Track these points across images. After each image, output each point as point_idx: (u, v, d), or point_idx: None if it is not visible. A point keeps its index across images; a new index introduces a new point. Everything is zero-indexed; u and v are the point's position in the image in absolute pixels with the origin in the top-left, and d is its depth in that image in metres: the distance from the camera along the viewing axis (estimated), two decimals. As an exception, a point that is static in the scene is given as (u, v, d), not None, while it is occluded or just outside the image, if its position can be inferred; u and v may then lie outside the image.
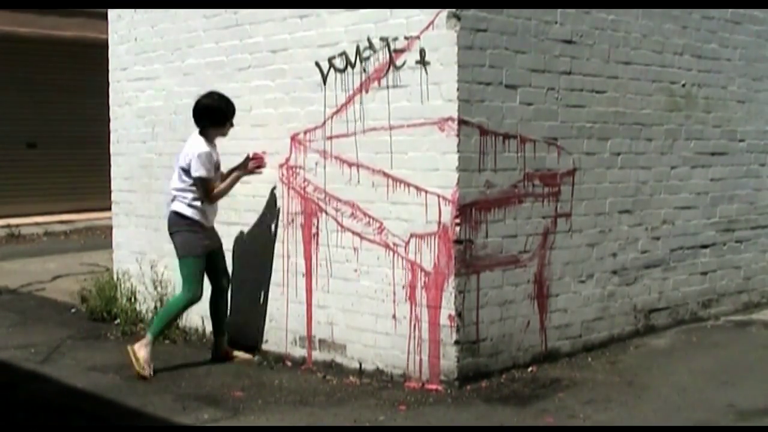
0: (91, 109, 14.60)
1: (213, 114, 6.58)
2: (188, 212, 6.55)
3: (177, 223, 6.61)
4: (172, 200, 6.64)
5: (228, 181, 6.68)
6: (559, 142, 6.55)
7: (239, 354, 6.86)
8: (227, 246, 7.24)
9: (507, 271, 6.25)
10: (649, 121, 7.21)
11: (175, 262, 7.84)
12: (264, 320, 7.02)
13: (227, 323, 6.93)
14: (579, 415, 5.50)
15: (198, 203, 6.55)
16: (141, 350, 6.47)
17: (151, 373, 6.42)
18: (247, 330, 7.12)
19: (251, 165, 6.70)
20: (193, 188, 6.52)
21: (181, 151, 6.62)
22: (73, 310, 8.63)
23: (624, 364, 6.55)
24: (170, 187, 6.68)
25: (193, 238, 6.57)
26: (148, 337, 6.55)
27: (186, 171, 6.51)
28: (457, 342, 5.96)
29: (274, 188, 6.91)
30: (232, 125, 6.69)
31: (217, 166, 6.61)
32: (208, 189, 6.51)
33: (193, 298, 6.61)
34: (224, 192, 6.66)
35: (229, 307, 6.96)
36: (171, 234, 6.69)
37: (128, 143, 8.33)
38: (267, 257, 6.96)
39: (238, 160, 7.13)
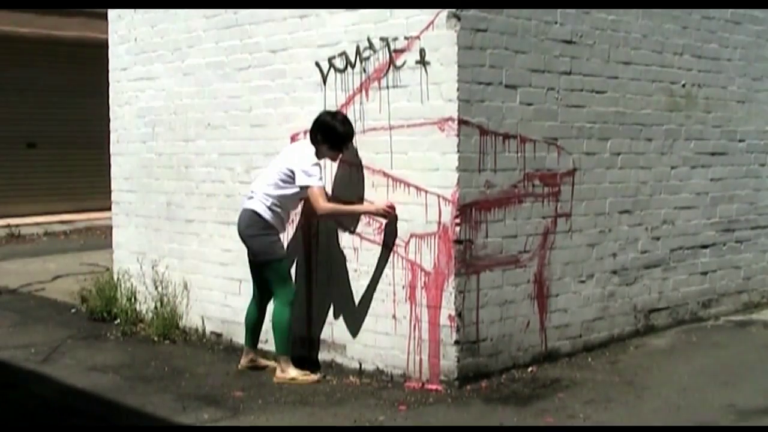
0: (91, 109, 14.63)
1: (329, 134, 6.21)
2: (267, 215, 6.24)
3: (254, 224, 6.26)
4: (250, 198, 6.34)
5: (350, 207, 6.33)
6: (559, 142, 6.55)
7: (269, 363, 6.57)
8: (227, 246, 7.24)
9: (507, 271, 6.25)
10: (649, 121, 7.20)
11: (177, 262, 7.84)
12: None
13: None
14: (579, 415, 5.50)
15: (279, 209, 6.27)
16: (287, 372, 6.27)
17: (314, 376, 6.29)
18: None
19: (383, 209, 6.18)
20: (281, 196, 6.20)
21: (281, 154, 6.38)
22: (73, 310, 8.63)
23: (624, 364, 6.55)
24: (254, 187, 6.37)
25: (271, 240, 6.29)
26: (282, 358, 6.30)
27: (284, 177, 6.19)
28: (457, 342, 5.96)
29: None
30: (342, 152, 6.32)
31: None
32: (318, 198, 6.11)
33: (292, 299, 6.33)
34: (339, 211, 6.34)
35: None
36: (245, 237, 6.34)
37: (128, 143, 8.32)
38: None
39: (237, 159, 7.14)
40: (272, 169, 6.32)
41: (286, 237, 6.79)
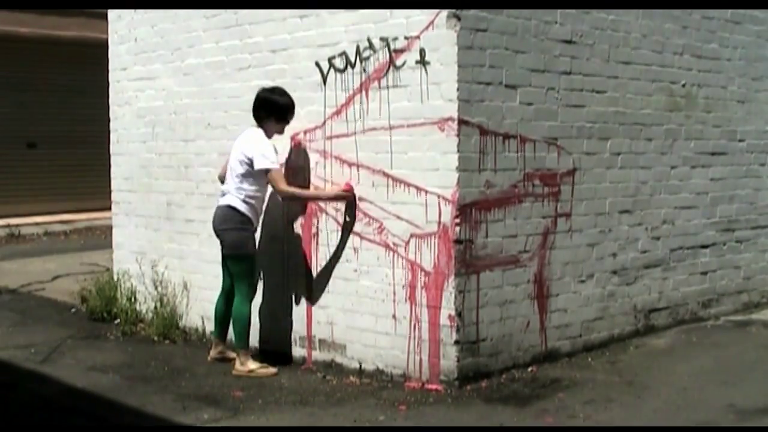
0: (91, 109, 14.61)
1: (272, 107, 6.47)
2: (242, 208, 6.41)
3: (229, 218, 6.42)
4: (223, 195, 6.52)
5: (312, 192, 6.56)
6: (559, 142, 6.55)
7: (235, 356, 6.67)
8: (227, 246, 7.24)
9: (507, 271, 6.25)
10: (649, 121, 7.21)
11: (177, 262, 7.85)
12: (264, 320, 7.01)
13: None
14: (579, 415, 5.50)
15: (253, 201, 6.43)
16: (246, 365, 6.43)
17: (273, 369, 6.46)
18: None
19: (342, 192, 6.38)
20: (251, 186, 6.38)
21: (234, 147, 6.52)
22: (73, 310, 8.63)
23: (624, 364, 6.56)
24: (224, 187, 6.54)
25: (245, 235, 6.46)
26: (241, 351, 6.47)
27: (246, 165, 6.36)
28: (457, 342, 5.96)
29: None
30: (288, 122, 6.56)
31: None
32: (279, 180, 6.34)
33: (252, 296, 6.56)
34: (300, 195, 6.53)
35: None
36: (219, 231, 6.53)
37: (128, 143, 8.33)
38: (267, 257, 6.96)
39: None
40: (233, 164, 6.48)
41: (287, 239, 6.80)
